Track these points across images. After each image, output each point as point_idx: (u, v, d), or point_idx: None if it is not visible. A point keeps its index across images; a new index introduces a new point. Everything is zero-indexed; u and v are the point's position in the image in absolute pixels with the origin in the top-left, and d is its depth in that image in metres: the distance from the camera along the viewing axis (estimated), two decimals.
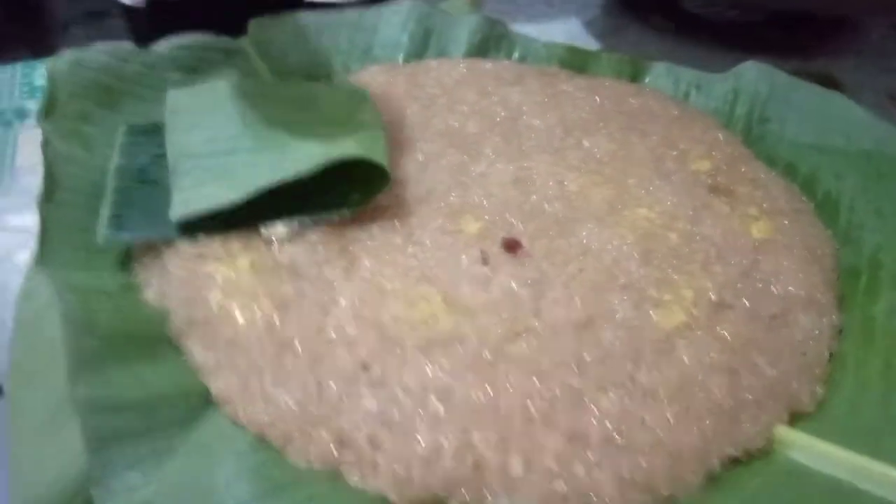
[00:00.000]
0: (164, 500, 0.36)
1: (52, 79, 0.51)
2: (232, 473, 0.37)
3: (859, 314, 0.46)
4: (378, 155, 0.45)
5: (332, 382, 0.39)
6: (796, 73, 0.63)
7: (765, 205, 0.51)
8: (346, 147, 0.44)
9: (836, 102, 0.59)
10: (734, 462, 0.39)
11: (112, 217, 0.44)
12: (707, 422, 0.39)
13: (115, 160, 0.47)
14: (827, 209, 0.54)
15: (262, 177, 0.42)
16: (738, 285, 0.45)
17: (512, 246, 0.46)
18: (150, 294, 0.44)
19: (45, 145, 0.48)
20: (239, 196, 0.42)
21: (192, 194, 0.43)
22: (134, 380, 0.39)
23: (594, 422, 0.38)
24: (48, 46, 0.70)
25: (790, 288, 0.46)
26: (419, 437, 0.37)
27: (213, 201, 0.42)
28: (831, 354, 0.44)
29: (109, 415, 0.38)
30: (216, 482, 0.36)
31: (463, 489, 0.36)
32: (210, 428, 0.39)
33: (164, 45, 0.57)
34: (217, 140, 0.45)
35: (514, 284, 0.44)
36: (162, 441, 0.38)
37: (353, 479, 0.37)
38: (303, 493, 0.36)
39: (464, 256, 0.45)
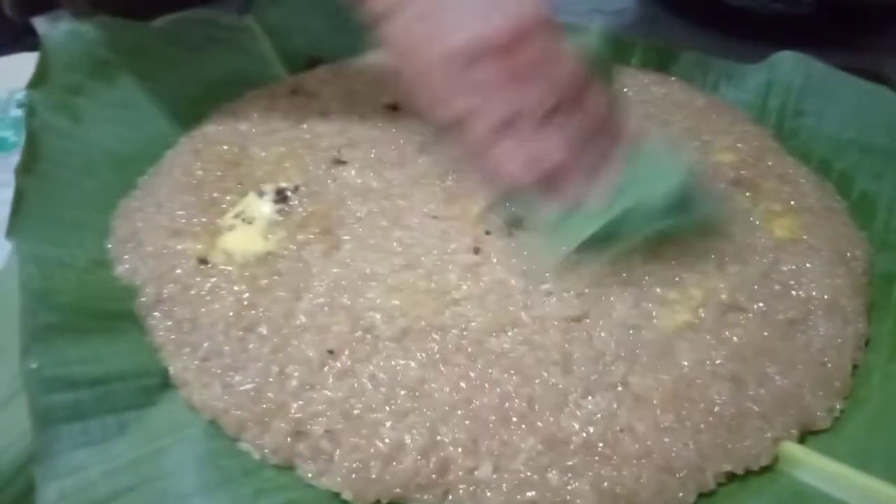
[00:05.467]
0: (108, 483, 0.33)
1: (45, 48, 0.50)
2: (181, 461, 0.34)
3: (891, 325, 0.42)
4: None
5: (294, 369, 0.36)
6: (844, 68, 0.58)
7: (792, 201, 0.47)
8: None
9: (879, 96, 0.54)
10: (732, 478, 0.35)
11: None
12: (704, 434, 0.35)
13: None
14: (863, 210, 0.49)
15: None
16: (755, 286, 0.41)
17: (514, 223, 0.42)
18: (122, 270, 0.42)
19: (30, 115, 0.46)
20: None
21: None
22: (91, 356, 0.37)
23: (576, 426, 0.35)
24: None
25: (813, 292, 0.41)
26: (382, 432, 0.34)
27: None
28: (855, 366, 0.40)
29: (60, 391, 0.36)
30: (164, 469, 0.34)
31: (424, 491, 0.33)
32: (164, 411, 0.36)
33: (165, 21, 0.55)
34: None
35: (505, 274, 0.40)
36: (113, 421, 0.36)
37: (308, 473, 0.34)
38: (251, 487, 0.34)
39: (453, 244, 0.42)
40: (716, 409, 0.36)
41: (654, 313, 0.39)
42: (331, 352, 0.37)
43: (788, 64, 0.57)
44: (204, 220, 0.43)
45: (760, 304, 0.40)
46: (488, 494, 0.33)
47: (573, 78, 0.40)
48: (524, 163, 0.40)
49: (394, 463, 0.34)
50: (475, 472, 0.33)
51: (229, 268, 0.41)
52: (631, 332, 0.38)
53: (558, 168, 0.40)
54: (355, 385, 0.36)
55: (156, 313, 0.40)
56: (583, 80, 0.40)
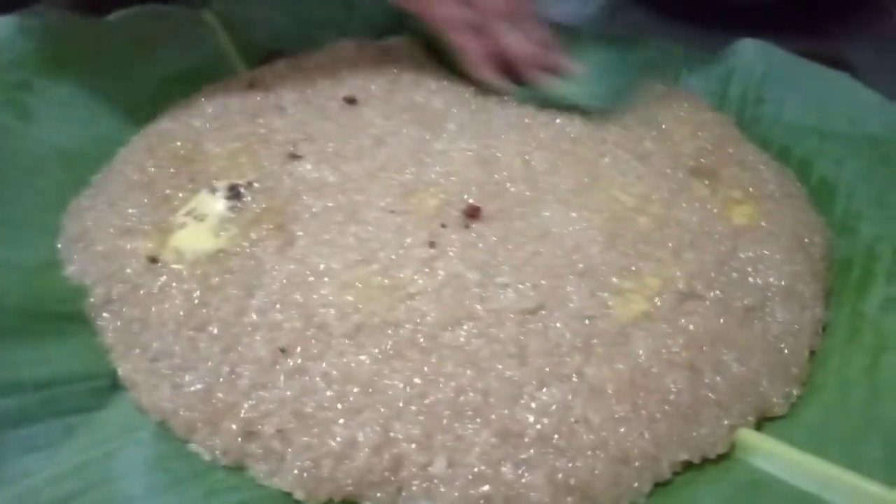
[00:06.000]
0: (51, 490, 0.33)
1: None
2: (130, 464, 0.34)
3: (848, 309, 0.42)
4: None
5: (245, 368, 0.36)
6: (808, 55, 0.58)
7: (751, 188, 0.47)
8: None
9: (840, 83, 0.54)
10: (689, 467, 0.35)
11: None
12: (660, 423, 0.35)
13: None
14: (823, 196, 0.49)
15: None
16: (712, 274, 0.41)
17: (472, 213, 0.42)
18: (72, 270, 0.41)
19: None
20: None
21: None
22: (38, 358, 0.37)
23: (530, 418, 0.34)
24: None
25: (770, 279, 0.41)
26: (334, 430, 0.34)
27: None
28: (813, 352, 0.40)
29: (5, 395, 0.35)
30: (112, 473, 0.34)
31: (377, 489, 0.33)
32: (113, 414, 0.36)
33: (119, 15, 0.54)
34: None
35: (461, 267, 0.40)
36: (60, 426, 0.35)
37: (259, 474, 0.34)
38: (201, 488, 0.33)
39: (409, 238, 0.41)
40: (672, 397, 0.36)
41: (610, 303, 0.39)
42: (282, 350, 0.36)
43: (750, 52, 0.57)
44: (155, 218, 0.42)
45: (717, 292, 0.40)
46: (442, 490, 0.33)
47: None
48: (486, 57, 0.52)
49: (346, 461, 0.33)
50: (429, 468, 0.33)
51: (180, 266, 0.40)
52: (587, 322, 0.38)
53: (519, 58, 0.51)
54: (307, 383, 0.35)
55: (105, 314, 0.39)
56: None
